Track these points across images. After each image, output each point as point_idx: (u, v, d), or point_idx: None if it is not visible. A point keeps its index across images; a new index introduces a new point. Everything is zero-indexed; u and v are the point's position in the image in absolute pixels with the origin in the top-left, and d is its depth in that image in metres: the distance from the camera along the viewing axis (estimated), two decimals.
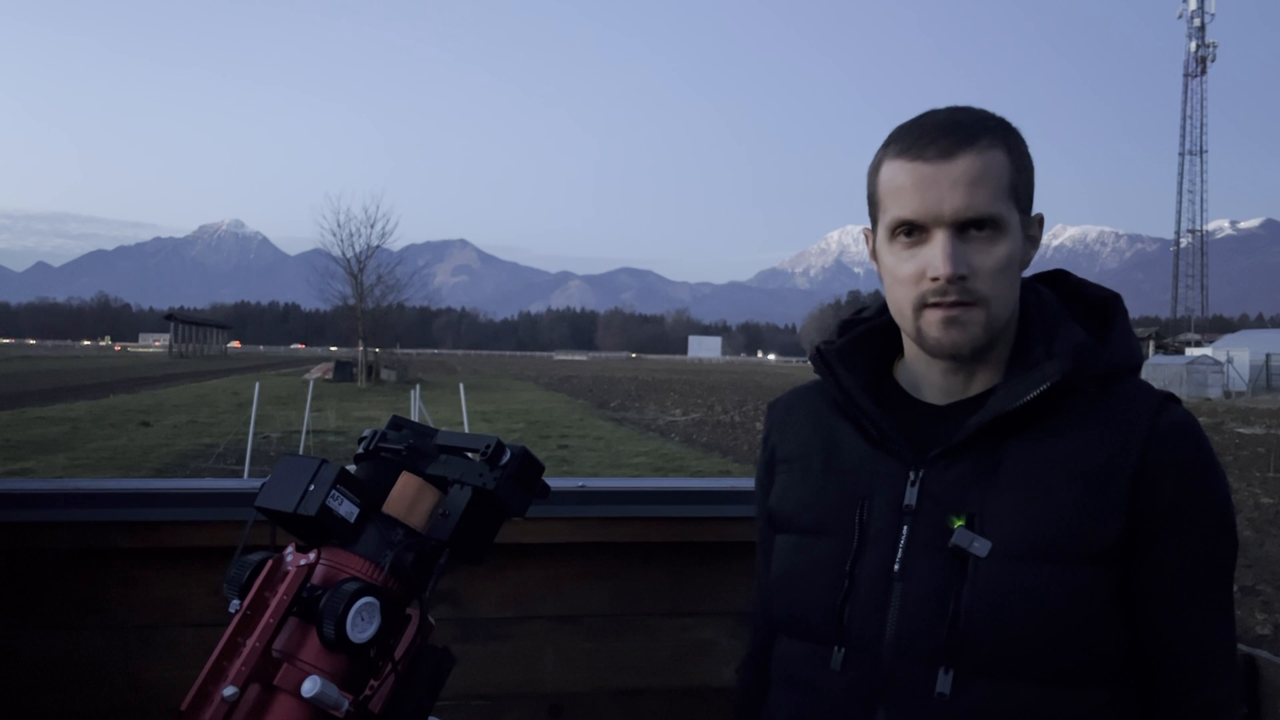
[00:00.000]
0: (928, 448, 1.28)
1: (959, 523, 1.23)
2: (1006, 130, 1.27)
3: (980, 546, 1.21)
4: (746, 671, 1.54)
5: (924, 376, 1.35)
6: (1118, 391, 1.26)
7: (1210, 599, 1.25)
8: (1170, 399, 1.27)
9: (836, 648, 1.28)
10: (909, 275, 1.25)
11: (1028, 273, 1.39)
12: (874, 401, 1.33)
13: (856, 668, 1.26)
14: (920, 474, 1.27)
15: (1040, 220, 1.32)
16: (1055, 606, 1.19)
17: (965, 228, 1.22)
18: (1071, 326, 1.29)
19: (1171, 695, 1.25)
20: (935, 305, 1.24)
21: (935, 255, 1.22)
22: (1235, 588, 1.31)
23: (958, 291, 1.22)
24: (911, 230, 1.25)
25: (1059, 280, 1.40)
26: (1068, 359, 1.24)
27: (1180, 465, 1.22)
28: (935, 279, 1.22)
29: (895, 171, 1.26)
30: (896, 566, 1.26)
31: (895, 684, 1.23)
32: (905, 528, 1.26)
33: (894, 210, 1.26)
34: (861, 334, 1.42)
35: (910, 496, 1.27)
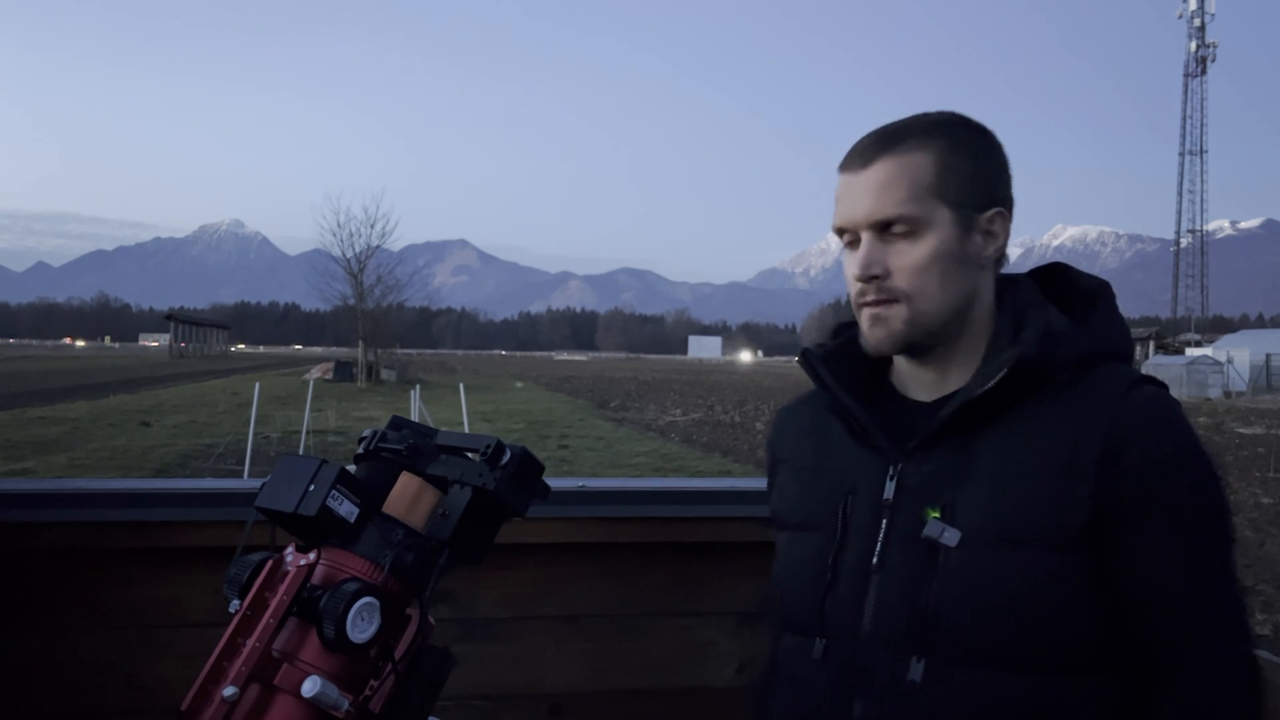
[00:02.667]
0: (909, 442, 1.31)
1: (934, 514, 1.24)
2: (945, 130, 1.30)
3: (950, 537, 1.22)
4: (764, 675, 1.53)
5: (909, 374, 1.38)
6: (1091, 377, 1.26)
7: (1201, 589, 1.22)
8: (1143, 380, 1.26)
9: (818, 639, 1.31)
10: (850, 278, 1.33)
11: (1020, 267, 1.39)
12: (862, 400, 1.36)
13: (836, 658, 1.30)
14: (899, 468, 1.30)
15: (999, 214, 1.31)
16: (1023, 595, 1.19)
17: (887, 229, 1.27)
18: (1045, 314, 1.29)
19: (1163, 693, 1.21)
20: (864, 304, 1.31)
21: (855, 258, 1.30)
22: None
23: (874, 290, 1.29)
24: (852, 239, 1.31)
25: (1055, 273, 1.40)
26: (1031, 344, 1.25)
27: (1150, 447, 1.20)
28: (858, 279, 1.29)
29: (837, 185, 1.34)
30: (875, 559, 1.29)
31: (871, 673, 1.26)
32: (884, 521, 1.29)
33: (834, 220, 1.33)
34: (855, 336, 1.42)
35: (889, 490, 1.30)
